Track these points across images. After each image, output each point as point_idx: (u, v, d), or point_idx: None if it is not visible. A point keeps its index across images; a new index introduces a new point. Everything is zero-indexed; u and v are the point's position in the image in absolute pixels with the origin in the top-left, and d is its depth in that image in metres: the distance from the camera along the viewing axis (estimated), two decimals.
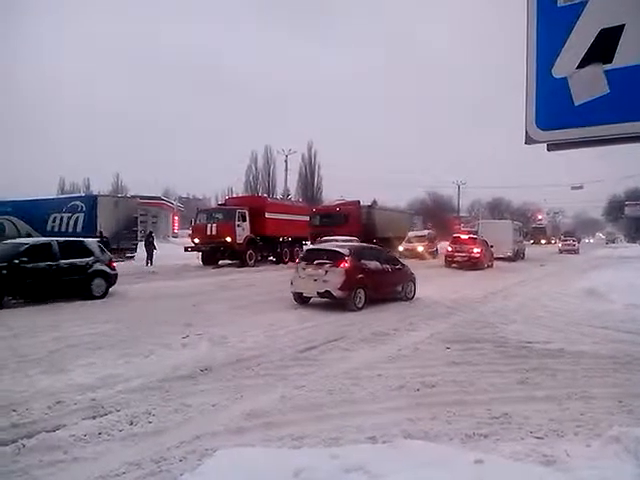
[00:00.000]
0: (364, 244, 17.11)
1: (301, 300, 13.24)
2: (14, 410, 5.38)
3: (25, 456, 4.37)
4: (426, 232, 37.55)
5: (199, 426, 5.07)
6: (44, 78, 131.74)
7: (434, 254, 35.10)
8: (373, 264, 13.45)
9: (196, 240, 25.50)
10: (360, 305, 12.56)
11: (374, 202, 52.06)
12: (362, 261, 13.16)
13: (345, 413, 5.45)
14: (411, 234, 36.30)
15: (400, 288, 14.20)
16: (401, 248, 32.63)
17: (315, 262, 12.85)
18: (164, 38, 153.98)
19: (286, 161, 60.35)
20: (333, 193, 60.37)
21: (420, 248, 33.39)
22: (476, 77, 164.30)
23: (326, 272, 12.43)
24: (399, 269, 14.46)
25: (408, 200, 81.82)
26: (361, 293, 12.67)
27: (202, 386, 6.34)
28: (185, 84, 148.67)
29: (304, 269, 12.92)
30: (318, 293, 12.65)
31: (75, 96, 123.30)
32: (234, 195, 50.93)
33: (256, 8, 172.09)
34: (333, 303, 12.54)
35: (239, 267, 24.23)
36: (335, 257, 12.81)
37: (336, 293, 12.31)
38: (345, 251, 13.04)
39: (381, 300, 13.34)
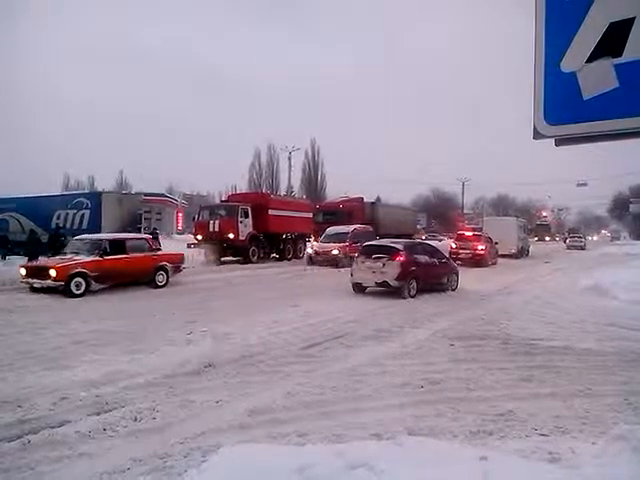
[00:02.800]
0: (415, 240, 19.35)
1: (359, 289, 14.93)
2: (19, 406, 5.39)
3: (31, 452, 4.38)
4: (351, 228, 26.07)
5: (203, 422, 5.07)
6: (48, 76, 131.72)
7: None
8: (423, 258, 15.11)
9: (199, 237, 25.47)
10: (413, 293, 14.21)
11: (378, 199, 52.12)
12: (414, 255, 14.83)
13: (350, 410, 5.45)
14: (329, 230, 26.34)
15: (446, 280, 15.84)
16: (309, 250, 25.81)
17: (373, 256, 14.54)
18: (165, 36, 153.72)
19: (289, 158, 60.29)
20: (337, 190, 60.26)
21: (335, 252, 24.12)
22: (479, 74, 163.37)
23: (384, 264, 14.17)
24: (444, 263, 16.16)
25: (412, 197, 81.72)
26: (413, 283, 14.32)
27: (206, 382, 6.35)
28: (188, 82, 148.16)
29: (363, 262, 14.68)
30: (376, 283, 14.40)
31: (79, 93, 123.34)
32: (237, 192, 50.83)
33: (256, 8, 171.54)
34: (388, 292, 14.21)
35: (242, 264, 24.20)
36: (391, 251, 14.54)
37: (393, 283, 14.01)
38: (400, 246, 14.84)
39: (429, 289, 14.81)
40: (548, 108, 2.31)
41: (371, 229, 27.64)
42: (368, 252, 14.93)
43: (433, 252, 16.00)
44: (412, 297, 13.98)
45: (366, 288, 14.89)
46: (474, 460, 3.48)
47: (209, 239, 24.73)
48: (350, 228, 25.81)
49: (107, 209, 25.63)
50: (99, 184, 69.57)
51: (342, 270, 20.35)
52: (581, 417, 5.26)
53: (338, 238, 24.80)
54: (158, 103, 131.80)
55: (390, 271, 14.02)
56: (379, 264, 14.25)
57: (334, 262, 23.49)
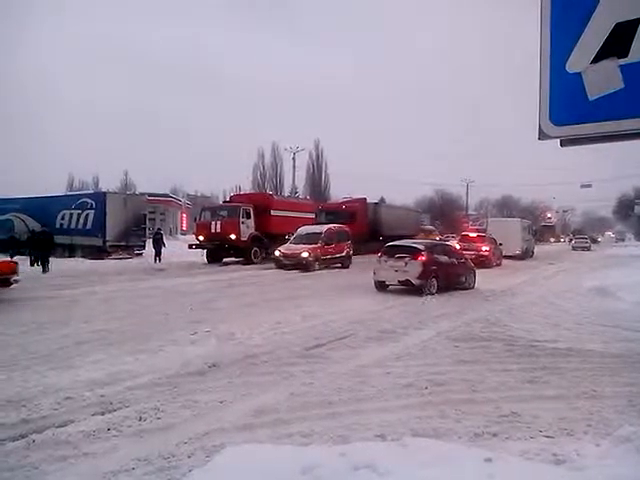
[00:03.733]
0: (435, 241, 19.67)
1: (382, 287, 15.71)
2: (24, 406, 5.41)
3: (35, 451, 4.39)
4: (324, 228, 24.04)
5: (207, 422, 5.07)
6: (52, 77, 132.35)
7: (350, 259, 25.00)
8: (443, 258, 15.84)
9: (200, 237, 25.48)
10: (434, 291, 14.89)
11: (382, 200, 52.07)
12: (434, 255, 15.51)
13: (354, 410, 5.45)
14: (301, 230, 24.40)
15: (464, 279, 16.69)
16: (277, 253, 23.03)
17: (396, 256, 15.24)
18: (169, 36, 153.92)
19: (294, 158, 60.29)
20: (341, 190, 60.25)
21: (304, 254, 21.93)
22: (484, 75, 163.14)
23: (406, 264, 14.89)
24: (463, 262, 17.03)
25: (416, 198, 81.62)
26: (434, 281, 15.05)
27: (210, 383, 6.35)
28: (191, 83, 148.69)
29: (386, 261, 15.43)
30: (399, 281, 15.16)
31: (84, 95, 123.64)
32: (241, 192, 50.86)
33: (257, 9, 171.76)
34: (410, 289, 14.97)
35: (244, 264, 24.23)
36: (413, 252, 15.23)
37: (415, 281, 14.72)
38: (421, 247, 15.59)
39: (447, 288, 15.53)
40: (553, 109, 2.31)
41: (347, 229, 25.71)
42: (391, 252, 15.65)
43: (452, 252, 17.04)
44: (433, 294, 14.66)
45: (388, 286, 15.70)
46: (478, 462, 3.47)
47: (211, 240, 24.75)
48: (323, 228, 24.21)
49: (111, 209, 25.73)
50: (103, 185, 69.72)
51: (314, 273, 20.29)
52: (586, 419, 5.24)
53: (309, 239, 22.97)
54: (162, 104, 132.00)
55: (412, 270, 14.74)
56: (401, 263, 15.00)
57: (304, 266, 21.66)
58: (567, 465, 3.95)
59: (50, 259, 20.41)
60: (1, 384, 6.06)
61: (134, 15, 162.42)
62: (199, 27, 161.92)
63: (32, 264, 20.86)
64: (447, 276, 15.63)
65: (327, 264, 23.13)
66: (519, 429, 4.96)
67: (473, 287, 16.74)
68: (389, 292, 15.14)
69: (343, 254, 24.46)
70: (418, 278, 14.66)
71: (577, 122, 2.26)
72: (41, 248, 20.49)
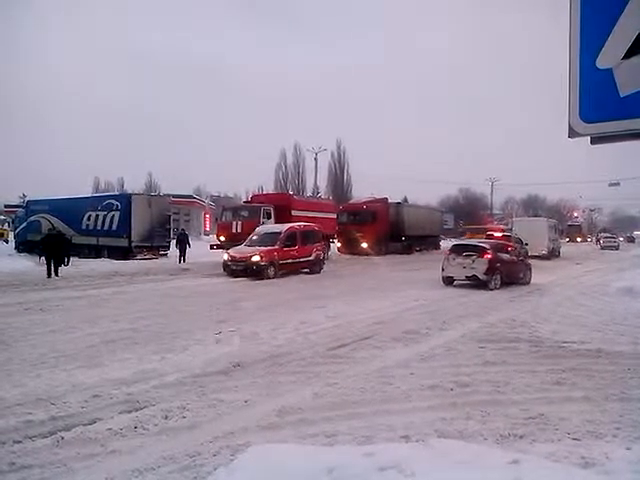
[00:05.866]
0: (499, 241, 20.22)
1: (449, 282, 17.22)
2: (52, 403, 5.51)
3: (63, 448, 4.48)
4: (284, 227, 20.94)
5: (232, 422, 5.11)
6: (79, 80, 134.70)
7: (320, 264, 22.00)
8: (505, 256, 17.41)
9: (222, 238, 25.54)
10: (497, 286, 16.40)
11: (405, 199, 51.86)
12: (498, 253, 17.01)
13: (378, 411, 5.43)
14: (259, 230, 21.62)
15: (522, 275, 18.06)
16: (225, 256, 19.89)
17: (463, 254, 16.84)
18: (195, 40, 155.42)
19: (316, 159, 60.36)
20: (364, 190, 60.18)
21: (256, 258, 18.68)
22: (510, 73, 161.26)
23: (473, 261, 16.51)
24: (522, 260, 18.71)
25: (440, 197, 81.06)
26: (497, 277, 16.55)
27: (235, 382, 6.39)
28: (214, 85, 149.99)
29: (454, 259, 16.98)
30: (466, 277, 16.75)
31: (110, 98, 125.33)
32: (264, 192, 51.06)
33: (262, 10, 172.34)
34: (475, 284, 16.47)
35: None
36: (480, 250, 16.80)
37: (481, 277, 16.32)
38: (487, 246, 17.25)
39: (509, 283, 16.98)
40: (584, 106, 2.27)
41: (316, 228, 22.68)
42: (458, 250, 17.29)
43: (512, 251, 18.43)
44: (497, 289, 16.17)
45: (454, 281, 17.21)
46: (505, 464, 3.42)
47: (232, 240, 24.83)
48: (283, 227, 20.95)
49: (137, 210, 26.01)
50: (128, 186, 70.74)
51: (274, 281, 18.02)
52: (615, 421, 5.13)
53: (267, 240, 19.99)
54: (186, 106, 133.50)
55: (479, 267, 16.35)
56: (469, 261, 16.59)
57: (255, 272, 18.50)
58: (596, 469, 3.88)
59: (66, 262, 18.79)
60: (30, 382, 6.18)
61: (165, 19, 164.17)
62: (224, 29, 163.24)
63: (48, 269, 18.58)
64: (509, 272, 17.15)
65: (289, 269, 19.97)
66: (546, 431, 4.89)
67: (529, 283, 18.01)
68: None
69: (311, 257, 21.25)
70: (484, 274, 16.25)
71: (608, 119, 2.22)
72: (52, 250, 18.45)
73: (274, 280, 18.38)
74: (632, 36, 2.10)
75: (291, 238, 20.32)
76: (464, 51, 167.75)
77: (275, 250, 19.35)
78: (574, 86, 2.29)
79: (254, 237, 20.77)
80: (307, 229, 21.89)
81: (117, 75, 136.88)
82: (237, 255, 19.32)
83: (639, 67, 2.08)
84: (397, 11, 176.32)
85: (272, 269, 18.89)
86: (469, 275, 16.62)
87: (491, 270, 16.31)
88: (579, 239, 72.95)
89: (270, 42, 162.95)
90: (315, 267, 21.46)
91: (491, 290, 15.98)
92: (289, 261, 20.05)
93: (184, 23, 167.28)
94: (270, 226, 22.44)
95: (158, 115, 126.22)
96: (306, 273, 20.85)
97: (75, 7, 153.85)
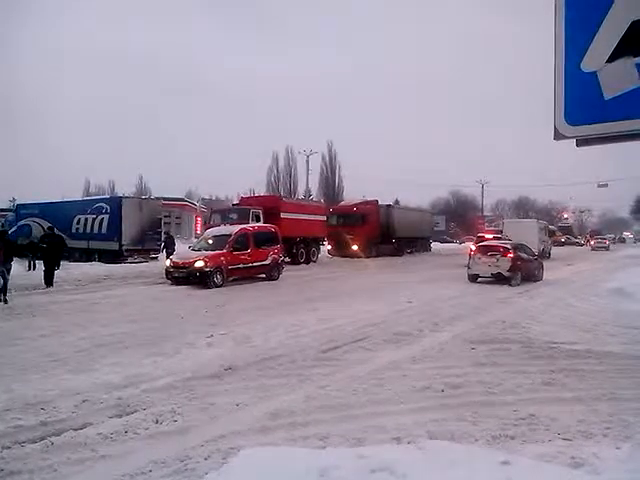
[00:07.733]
0: (518, 242, 20.86)
1: (473, 279, 19.11)
2: (42, 409, 5.47)
3: (53, 453, 4.44)
4: (235, 229, 19.15)
5: (224, 425, 5.10)
6: (68, 82, 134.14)
7: (279, 269, 19.95)
8: (524, 256, 19.24)
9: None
10: (519, 283, 18.07)
11: (396, 201, 51.95)
12: (518, 253, 18.74)
13: (370, 413, 5.43)
14: (208, 232, 20.57)
15: (537, 272, 19.92)
16: (167, 262, 18.33)
17: (488, 253, 18.71)
18: (194, 42, 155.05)
19: (307, 161, 60.39)
20: (355, 193, 60.15)
21: (199, 263, 16.75)
22: (498, 75, 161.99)
23: (497, 260, 18.30)
24: (536, 259, 20.58)
25: (431, 200, 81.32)
26: (519, 275, 18.32)
27: (227, 385, 6.37)
28: (205, 88, 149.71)
29: (480, 258, 18.82)
30: (492, 274, 18.53)
31: (100, 100, 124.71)
32: (255, 195, 50.99)
33: (256, 10, 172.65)
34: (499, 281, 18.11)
35: None
36: (503, 250, 18.62)
37: (505, 274, 18.12)
38: (510, 246, 19.09)
39: (527, 279, 18.71)
40: (569, 108, 2.29)
41: (273, 230, 20.74)
42: (484, 250, 19.16)
43: (529, 251, 20.17)
44: (518, 285, 17.74)
45: (478, 278, 19.05)
46: (496, 464, 3.44)
47: None
48: (234, 229, 19.17)
49: (127, 214, 25.85)
50: (119, 189, 70.35)
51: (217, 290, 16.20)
52: (604, 421, 5.17)
53: (215, 244, 18.33)
54: (177, 109, 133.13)
55: (503, 265, 18.17)
56: (494, 259, 18.37)
57: (199, 279, 16.65)
58: (586, 468, 3.90)
59: (59, 266, 17.12)
60: (20, 387, 6.13)
61: (148, 23, 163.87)
62: (224, 29, 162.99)
63: (29, 268, 20.32)
64: (527, 270, 18.95)
65: (240, 276, 18.24)
66: (537, 431, 4.92)
67: (542, 279, 19.70)
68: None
69: (266, 262, 19.22)
70: (508, 271, 18.04)
71: (593, 122, 2.24)
72: (50, 252, 16.88)
73: (221, 288, 16.53)
74: (616, 39, 2.12)
75: (242, 241, 18.49)
76: (456, 54, 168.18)
77: (222, 254, 17.44)
78: (559, 89, 2.30)
79: (202, 241, 19.42)
80: (261, 230, 20.24)
81: (108, 77, 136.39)
82: (179, 261, 17.63)
83: (623, 70, 2.11)
84: (396, 15, 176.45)
85: (219, 276, 16.97)
86: (494, 272, 18.37)
87: (514, 268, 18.08)
88: (563, 240, 72.79)
89: (270, 44, 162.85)
90: (272, 272, 19.43)
91: (511, 286, 17.53)
92: (240, 266, 18.12)
93: (184, 24, 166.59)
94: (220, 228, 20.93)
95: (150, 118, 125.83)
96: (262, 279, 19.13)
97: (75, 7, 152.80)
